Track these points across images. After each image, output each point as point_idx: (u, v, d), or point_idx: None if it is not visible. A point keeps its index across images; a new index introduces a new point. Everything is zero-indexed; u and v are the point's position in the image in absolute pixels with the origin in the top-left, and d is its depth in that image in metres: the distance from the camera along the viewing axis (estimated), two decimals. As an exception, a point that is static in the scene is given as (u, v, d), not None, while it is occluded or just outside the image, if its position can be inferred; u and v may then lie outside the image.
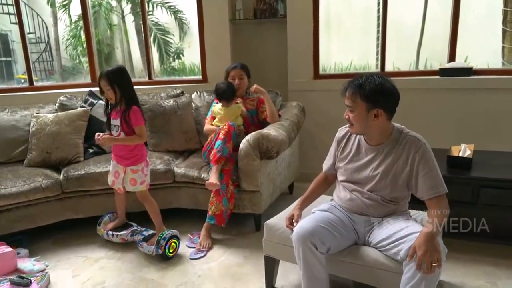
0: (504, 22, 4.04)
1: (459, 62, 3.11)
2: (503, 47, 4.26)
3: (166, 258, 2.26)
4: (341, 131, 1.78)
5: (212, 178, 2.34)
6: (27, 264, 2.20)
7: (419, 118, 3.02)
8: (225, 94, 2.65)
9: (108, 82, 2.14)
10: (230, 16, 3.35)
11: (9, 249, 2.20)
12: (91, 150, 2.87)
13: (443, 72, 3.05)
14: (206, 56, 3.45)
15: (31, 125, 2.83)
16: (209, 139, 2.64)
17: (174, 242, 2.29)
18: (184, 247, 2.40)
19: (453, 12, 3.02)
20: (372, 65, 4.86)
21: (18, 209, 2.42)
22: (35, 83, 3.66)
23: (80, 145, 2.80)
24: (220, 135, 2.46)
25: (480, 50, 4.40)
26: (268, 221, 1.86)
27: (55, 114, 2.89)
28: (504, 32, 4.16)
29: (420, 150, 1.54)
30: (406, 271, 1.41)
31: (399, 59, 4.14)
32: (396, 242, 1.48)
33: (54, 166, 2.72)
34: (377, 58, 4.90)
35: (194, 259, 2.27)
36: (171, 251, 2.27)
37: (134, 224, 2.52)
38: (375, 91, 1.52)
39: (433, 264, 1.34)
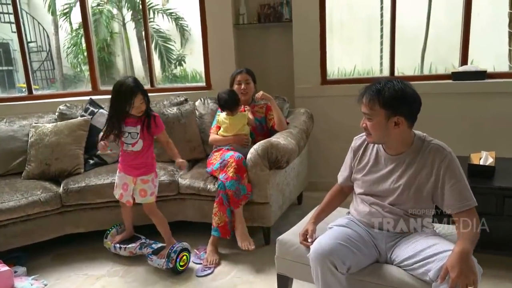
0: (511, 25, 3.96)
1: (472, 65, 3.01)
2: (509, 50, 4.18)
3: (176, 272, 2.16)
4: (357, 140, 1.67)
5: (239, 235, 2.27)
6: (24, 283, 2.09)
7: (432, 123, 2.86)
8: (227, 104, 2.53)
9: (143, 96, 2.14)
10: (234, 21, 3.27)
11: (6, 268, 2.08)
12: (91, 161, 2.77)
13: (456, 76, 2.94)
14: (209, 62, 3.36)
15: (30, 136, 2.74)
16: (213, 156, 2.53)
17: (185, 256, 2.19)
18: (191, 263, 2.28)
19: (464, 15, 2.94)
20: (376, 70, 4.79)
21: (15, 225, 2.32)
22: (36, 92, 3.58)
23: (80, 156, 2.70)
24: (230, 173, 2.26)
25: (486, 54, 4.32)
26: (280, 237, 1.74)
27: (54, 123, 2.80)
28: (510, 35, 4.08)
29: (445, 159, 1.42)
30: (436, 293, 1.29)
31: (403, 64, 4.07)
32: (424, 261, 1.35)
33: (54, 178, 2.62)
34: (381, 63, 4.84)
35: (201, 276, 2.16)
36: (181, 264, 2.17)
37: (142, 236, 2.42)
38: (396, 97, 1.41)
39: (469, 287, 1.22)
